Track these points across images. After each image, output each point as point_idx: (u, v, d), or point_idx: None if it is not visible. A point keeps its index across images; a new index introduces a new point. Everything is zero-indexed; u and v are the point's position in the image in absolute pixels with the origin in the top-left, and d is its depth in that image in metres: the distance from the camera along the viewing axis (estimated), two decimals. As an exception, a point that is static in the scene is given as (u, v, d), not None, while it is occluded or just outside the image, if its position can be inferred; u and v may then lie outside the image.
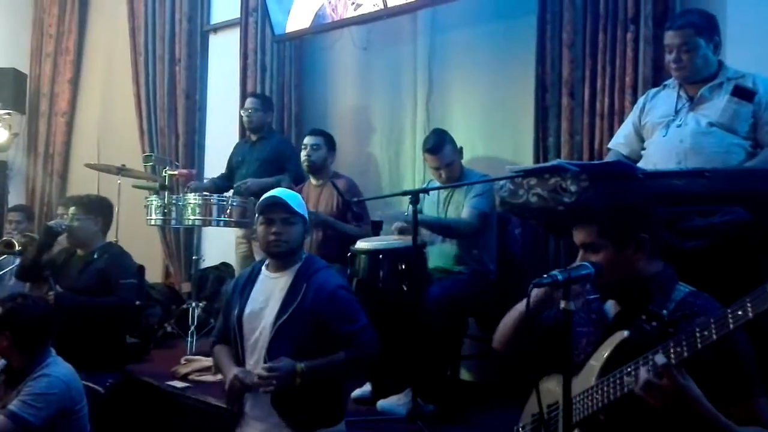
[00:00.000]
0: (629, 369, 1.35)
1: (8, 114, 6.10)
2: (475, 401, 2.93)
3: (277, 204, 2.16)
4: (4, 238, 3.30)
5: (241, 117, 4.57)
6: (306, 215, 2.21)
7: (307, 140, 3.53)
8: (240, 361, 2.15)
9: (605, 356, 1.45)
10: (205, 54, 5.13)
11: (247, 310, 2.16)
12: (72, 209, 3.25)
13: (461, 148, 3.12)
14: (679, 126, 2.35)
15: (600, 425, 1.42)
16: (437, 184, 3.14)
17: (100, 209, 3.32)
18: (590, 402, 1.42)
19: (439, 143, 3.03)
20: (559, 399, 1.51)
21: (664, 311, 1.43)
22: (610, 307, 1.57)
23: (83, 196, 3.43)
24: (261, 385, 2.01)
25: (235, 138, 4.54)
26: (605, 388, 1.40)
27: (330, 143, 3.55)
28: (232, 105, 4.67)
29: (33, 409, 2.26)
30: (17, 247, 3.09)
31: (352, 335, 2.11)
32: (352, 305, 2.16)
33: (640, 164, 2.38)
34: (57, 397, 2.33)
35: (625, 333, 1.43)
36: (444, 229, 3.01)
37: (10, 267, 3.71)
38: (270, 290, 2.16)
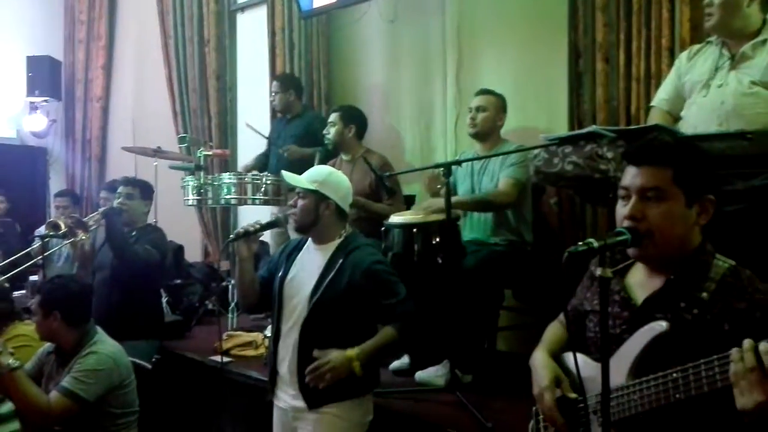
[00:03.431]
0: (675, 375, 1.19)
1: (45, 101, 6.25)
2: (513, 372, 2.92)
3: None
4: (51, 220, 3.40)
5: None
6: (320, 190, 2.16)
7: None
8: (276, 322, 2.19)
9: (638, 351, 1.28)
10: (233, 34, 5.16)
11: (290, 275, 2.20)
12: (128, 189, 3.36)
13: (503, 115, 3.11)
14: (720, 86, 2.26)
15: (636, 421, 1.27)
16: (470, 155, 3.12)
17: (149, 193, 3.49)
18: (627, 403, 1.27)
19: (486, 90, 3.15)
20: (587, 387, 1.37)
21: (704, 294, 1.26)
22: (635, 286, 1.39)
23: (135, 179, 3.55)
24: (313, 380, 2.00)
25: (266, 117, 4.58)
26: (649, 391, 1.24)
27: (346, 117, 3.48)
28: (263, 84, 4.69)
29: (84, 385, 2.35)
30: (63, 228, 3.16)
31: (393, 307, 2.09)
32: (390, 278, 2.15)
33: (679, 127, 2.32)
34: (106, 373, 2.42)
35: (664, 325, 1.25)
36: (479, 204, 2.98)
37: (57, 248, 3.84)
38: (311, 261, 2.20)
